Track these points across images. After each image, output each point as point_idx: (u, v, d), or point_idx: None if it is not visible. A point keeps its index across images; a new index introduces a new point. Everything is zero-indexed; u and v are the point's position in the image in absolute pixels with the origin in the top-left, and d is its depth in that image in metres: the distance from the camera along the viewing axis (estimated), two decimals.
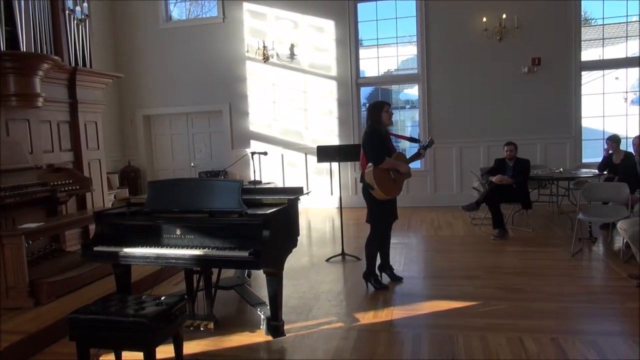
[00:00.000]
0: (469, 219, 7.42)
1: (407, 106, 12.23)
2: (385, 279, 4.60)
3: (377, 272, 4.55)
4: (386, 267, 4.65)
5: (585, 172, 6.97)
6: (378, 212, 4.31)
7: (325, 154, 5.66)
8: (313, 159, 8.99)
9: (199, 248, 3.25)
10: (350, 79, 9.12)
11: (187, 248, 3.26)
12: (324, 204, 9.29)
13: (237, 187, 3.38)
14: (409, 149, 9.13)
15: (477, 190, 7.20)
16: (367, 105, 4.60)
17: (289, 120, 9.45)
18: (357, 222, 7.75)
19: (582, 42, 8.37)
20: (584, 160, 8.43)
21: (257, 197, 3.64)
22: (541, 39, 8.29)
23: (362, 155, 4.36)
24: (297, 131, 9.44)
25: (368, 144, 4.23)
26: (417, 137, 4.77)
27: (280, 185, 9.09)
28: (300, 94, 9.38)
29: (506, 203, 6.46)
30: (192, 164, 9.75)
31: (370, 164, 4.19)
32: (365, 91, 9.91)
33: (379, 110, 4.28)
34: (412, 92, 10.80)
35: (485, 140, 8.63)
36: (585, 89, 8.45)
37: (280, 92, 9.44)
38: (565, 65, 8.29)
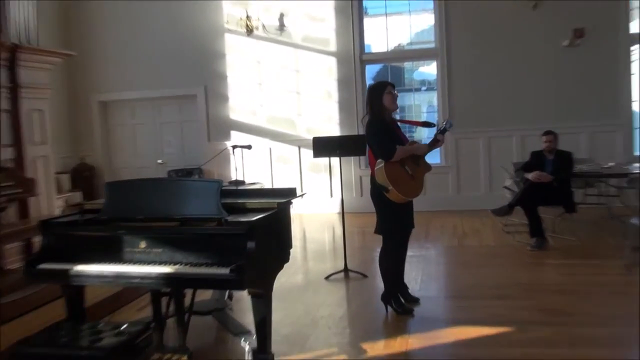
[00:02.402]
0: (500, 226, 7.42)
1: (423, 87, 12.24)
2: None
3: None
4: (399, 285, 4.63)
5: None
6: (392, 220, 4.27)
7: (323, 147, 5.64)
8: (308, 153, 8.99)
9: (169, 264, 3.22)
10: (353, 55, 9.12)
11: (154, 264, 3.23)
12: (322, 208, 9.28)
13: (214, 189, 3.36)
14: (425, 140, 9.18)
15: (509, 191, 7.20)
16: (368, 86, 4.60)
17: (278, 106, 9.44)
18: (362, 231, 7.73)
19: (631, 11, 8.36)
20: (637, 153, 8.45)
21: (240, 201, 3.61)
22: (584, 6, 8.29)
23: (369, 153, 4.34)
24: (288, 119, 9.43)
25: (372, 136, 4.21)
26: (433, 122, 4.76)
27: (268, 186, 9.07)
28: (292, 74, 9.37)
29: (545, 206, 6.46)
30: (159, 161, 9.73)
31: (379, 160, 4.17)
32: (371, 70, 9.92)
33: (380, 93, 4.26)
34: (429, 70, 10.81)
35: (518, 129, 8.64)
36: (636, 67, 8.46)
37: (268, 71, 9.43)
38: (612, 38, 8.30)
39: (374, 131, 4.20)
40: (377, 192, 4.23)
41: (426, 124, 4.65)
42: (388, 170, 4.09)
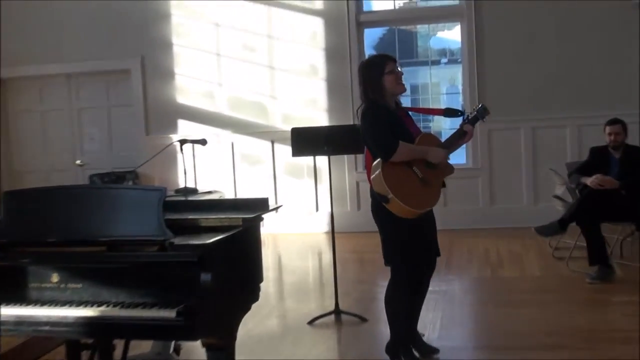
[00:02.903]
0: (548, 250, 7.47)
1: (443, 60, 12.31)
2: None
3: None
4: (412, 333, 4.64)
5: None
6: (402, 244, 4.27)
7: (305, 142, 5.64)
8: (286, 150, 8.97)
9: (92, 305, 3.20)
10: (347, 15, 9.18)
11: (71, 305, 3.21)
12: (305, 226, 9.29)
13: (155, 201, 3.35)
14: (446, 134, 9.23)
15: (561, 201, 7.25)
16: (359, 64, 4.59)
17: (244, 85, 9.45)
18: (360, 257, 7.74)
19: None
20: None
21: (191, 217, 3.61)
22: None
23: (367, 154, 4.35)
24: (258, 104, 9.43)
25: (368, 128, 4.22)
26: (458, 108, 4.72)
27: (229, 195, 9.05)
28: (263, 41, 9.39)
29: (610, 222, 6.51)
30: (78, 162, 9.66)
31: (377, 160, 4.15)
32: (372, 35, 9.99)
33: (377, 73, 4.24)
34: (451, 36, 10.89)
35: (573, 116, 8.73)
36: None
37: (230, 37, 9.44)
38: None
39: (369, 122, 4.20)
40: (380, 207, 4.17)
41: (450, 112, 4.53)
42: (387, 173, 4.03)
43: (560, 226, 6.44)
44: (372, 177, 4.12)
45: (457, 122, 4.51)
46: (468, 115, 4.37)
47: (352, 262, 7.59)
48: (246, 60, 9.43)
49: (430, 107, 9.26)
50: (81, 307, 3.20)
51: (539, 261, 7.13)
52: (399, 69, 4.31)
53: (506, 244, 8.01)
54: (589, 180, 6.43)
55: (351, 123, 8.62)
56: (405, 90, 4.38)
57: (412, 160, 4.15)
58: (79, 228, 3.38)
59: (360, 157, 9.02)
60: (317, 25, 9.27)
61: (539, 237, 6.93)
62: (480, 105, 4.40)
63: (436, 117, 9.03)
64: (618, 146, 6.57)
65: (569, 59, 8.73)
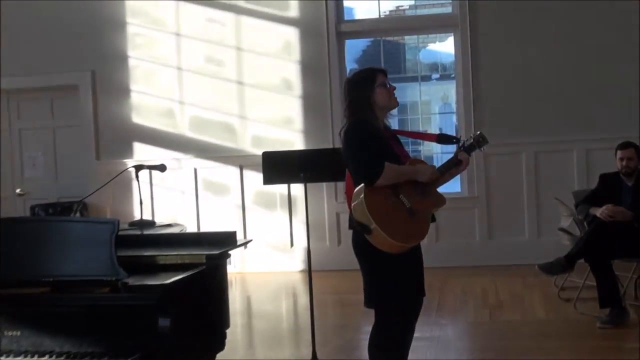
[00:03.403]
0: (554, 290, 7.49)
1: (434, 76, 12.39)
2: None
3: None
4: None
5: None
6: (388, 284, 4.25)
7: (278, 167, 5.65)
8: (256, 177, 8.99)
9: (32, 355, 3.18)
10: (325, 25, 9.22)
11: (9, 356, 3.18)
12: (278, 264, 9.28)
13: (107, 235, 3.34)
14: (440, 158, 9.27)
15: (568, 234, 7.28)
16: (345, 79, 4.61)
17: (208, 103, 9.45)
18: (340, 299, 7.72)
19: None
20: None
21: (148, 254, 3.59)
22: None
23: (347, 177, 4.34)
24: (224, 124, 9.43)
25: (349, 146, 4.21)
26: (450, 133, 4.72)
27: (192, 229, 9.01)
28: (231, 54, 9.41)
29: (623, 259, 6.54)
30: (18, 191, 9.60)
31: (360, 186, 4.14)
32: (354, 47, 10.06)
33: (368, 86, 4.28)
34: (443, 48, 10.99)
35: (579, 139, 8.79)
36: None
37: (193, 49, 9.46)
38: None
39: (351, 139, 4.17)
40: (364, 240, 4.14)
41: (444, 139, 4.55)
42: (371, 200, 3.99)
43: (566, 263, 6.43)
44: (353, 204, 4.07)
45: (451, 146, 4.54)
46: (464, 143, 4.36)
47: (331, 305, 7.57)
48: (211, 75, 9.44)
49: (420, 129, 9.32)
50: (20, 358, 3.17)
51: (543, 303, 7.15)
52: (390, 82, 4.31)
53: (506, 283, 8.03)
54: (598, 211, 6.45)
55: (330, 146, 8.65)
56: (398, 104, 4.38)
57: (399, 188, 4.11)
58: (19, 266, 3.35)
59: (341, 186, 9.01)
60: (292, 36, 9.31)
61: (543, 275, 6.92)
62: (478, 133, 4.38)
63: (426, 142, 9.02)
64: (631, 172, 6.60)
65: (576, 75, 8.81)
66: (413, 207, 4.12)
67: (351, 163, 4.20)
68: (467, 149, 4.32)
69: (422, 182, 4.20)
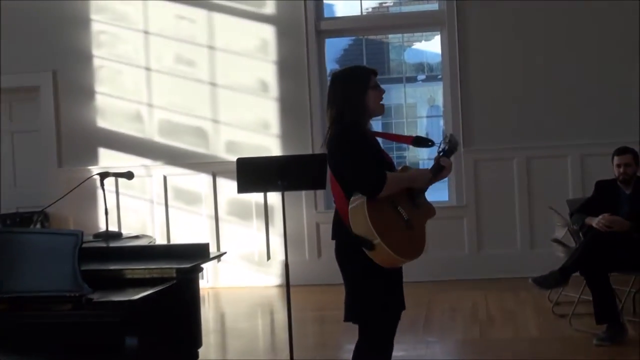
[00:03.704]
0: (548, 304, 7.53)
1: (420, 77, 12.41)
2: None
3: None
4: None
5: None
6: (375, 298, 4.24)
7: (254, 175, 5.65)
8: (230, 185, 8.99)
9: None
10: (304, 23, 9.23)
11: None
12: (254, 278, 9.26)
13: (70, 248, 3.33)
14: (426, 164, 9.30)
15: (562, 246, 7.30)
16: (332, 76, 4.57)
17: (179, 106, 9.43)
18: (321, 316, 7.72)
19: None
20: None
21: (114, 267, 3.58)
22: None
23: (332, 182, 4.31)
24: (196, 128, 9.41)
25: (347, 156, 4.17)
26: (427, 135, 4.75)
27: (161, 241, 8.99)
28: (203, 53, 9.40)
29: (621, 272, 6.56)
30: None
31: (357, 196, 4.11)
32: (335, 46, 10.08)
33: (361, 86, 4.26)
34: (429, 47, 11.03)
35: (574, 144, 8.83)
36: None
37: (162, 48, 9.44)
38: None
39: (349, 148, 4.14)
40: (349, 251, 4.13)
41: (420, 142, 4.58)
42: (373, 212, 3.99)
43: (561, 276, 6.44)
44: (352, 217, 4.04)
45: (432, 151, 4.59)
46: (443, 148, 4.43)
47: (311, 322, 7.57)
48: (182, 75, 9.42)
49: (406, 133, 9.33)
50: None
51: (537, 319, 7.17)
52: (379, 85, 4.30)
53: (497, 298, 8.04)
54: (594, 221, 6.47)
55: (310, 152, 8.66)
56: (384, 112, 4.37)
57: (395, 199, 4.13)
58: None
59: (321, 194, 9.05)
60: (268, 34, 9.31)
61: (537, 289, 6.91)
62: (450, 135, 4.50)
63: (403, 145, 9.04)
64: (628, 179, 6.62)
65: (571, 77, 8.84)
66: (410, 218, 4.16)
67: (349, 173, 4.12)
68: (446, 153, 4.39)
69: (412, 191, 4.24)
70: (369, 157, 4.09)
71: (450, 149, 4.41)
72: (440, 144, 4.45)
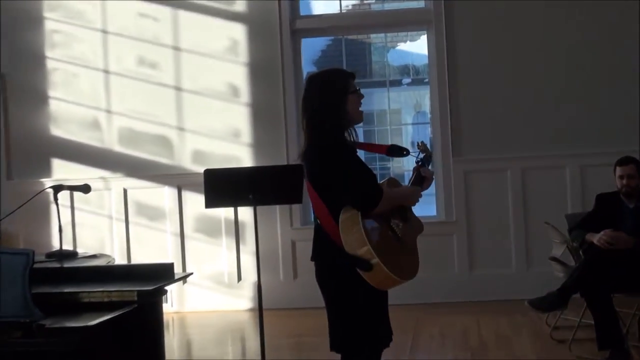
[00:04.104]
0: (545, 329, 7.53)
1: (405, 80, 12.45)
2: None
3: None
4: None
5: None
6: (363, 324, 4.23)
7: (223, 187, 5.64)
8: (197, 199, 8.95)
9: None
10: (278, 21, 9.24)
11: None
12: (223, 301, 9.24)
13: (19, 269, 3.30)
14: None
15: (561, 265, 7.32)
16: (308, 79, 4.53)
17: (141, 112, 9.40)
18: (298, 342, 7.69)
19: None
20: None
21: (69, 290, 3.56)
22: None
23: (312, 196, 4.28)
24: (159, 137, 9.39)
25: (336, 166, 4.14)
26: (401, 145, 4.77)
27: (121, 260, 8.95)
28: (167, 54, 9.38)
29: (625, 293, 6.57)
30: None
31: (349, 211, 4.07)
32: (311, 46, 10.08)
33: (341, 91, 4.26)
34: (415, 49, 11.08)
35: (573, 154, 8.87)
36: None
37: (123, 49, 9.42)
38: None
39: (340, 160, 4.10)
40: (333, 274, 4.13)
41: (394, 151, 4.58)
42: (369, 229, 3.97)
43: (560, 298, 6.46)
44: (345, 234, 4.00)
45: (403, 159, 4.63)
46: (422, 158, 4.49)
47: (287, 350, 7.54)
48: (144, 79, 9.40)
49: (390, 142, 9.33)
50: None
51: (534, 344, 7.18)
52: (359, 90, 4.32)
53: (490, 322, 8.05)
54: (595, 238, 6.50)
55: (284, 162, 8.65)
56: (362, 120, 4.38)
57: (387, 214, 4.15)
58: None
59: (298, 209, 9.04)
60: (239, 34, 9.30)
61: (533, 312, 6.96)
62: (421, 143, 4.57)
63: (379, 155, 9.03)
64: (632, 192, 6.64)
65: (569, 81, 8.88)
66: (403, 236, 4.19)
67: (341, 184, 4.08)
68: (425, 162, 4.46)
69: (408, 204, 4.31)
70: (362, 170, 4.13)
71: (427, 156, 4.49)
72: (419, 153, 4.51)
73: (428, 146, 4.54)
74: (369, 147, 5.12)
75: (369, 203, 3.99)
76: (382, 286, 4.01)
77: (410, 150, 4.57)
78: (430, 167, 4.51)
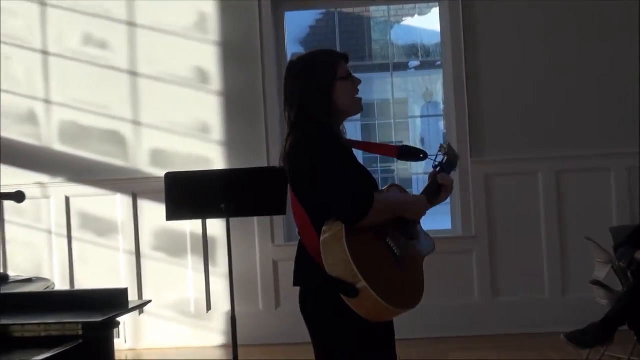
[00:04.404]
0: None
1: (412, 63, 12.44)
2: None
3: None
4: None
5: None
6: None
7: (188, 196, 5.65)
8: (156, 209, 8.96)
9: None
10: None
11: None
12: (189, 336, 9.24)
13: None
14: (421, 180, 9.34)
15: (604, 290, 7.35)
16: (289, 65, 4.51)
17: (87, 102, 9.41)
18: None
19: None
20: None
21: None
22: None
23: (294, 206, 4.27)
24: (110, 132, 9.40)
25: (314, 165, 4.13)
26: (418, 146, 4.75)
27: (62, 285, 8.95)
28: (120, 32, 9.38)
29: None
30: None
31: (332, 224, 4.06)
32: (297, 22, 10.09)
33: (327, 75, 4.25)
34: (425, 24, 11.09)
35: (619, 152, 8.89)
36: None
37: (64, 25, 9.43)
38: None
39: (317, 156, 4.08)
40: (321, 300, 4.11)
41: (406, 154, 4.61)
42: (354, 245, 3.90)
43: (604, 331, 6.49)
44: (325, 252, 3.95)
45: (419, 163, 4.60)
46: (442, 161, 4.46)
47: None
48: (92, 61, 9.39)
49: (394, 138, 9.33)
50: None
51: None
52: (352, 75, 4.27)
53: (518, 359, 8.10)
54: None
55: (265, 164, 8.67)
56: (362, 109, 4.38)
57: (383, 228, 4.07)
58: None
59: (280, 222, 9.05)
60: (208, 7, 9.31)
61: (571, 348, 6.98)
62: (446, 145, 4.51)
63: (385, 158, 9.00)
64: None
65: (617, 62, 8.93)
66: (403, 254, 4.11)
67: (320, 190, 4.05)
68: (445, 167, 4.43)
69: (411, 218, 4.21)
70: (346, 169, 4.04)
71: (449, 162, 4.45)
72: (437, 156, 4.47)
73: (442, 152, 4.47)
74: (375, 148, 5.10)
75: (355, 212, 3.91)
76: (372, 316, 3.91)
77: (429, 154, 4.52)
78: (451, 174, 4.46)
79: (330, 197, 3.96)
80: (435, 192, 4.34)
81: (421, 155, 4.53)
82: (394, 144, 4.73)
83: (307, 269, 4.11)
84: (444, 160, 4.44)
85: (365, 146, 5.07)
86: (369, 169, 4.44)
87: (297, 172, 4.17)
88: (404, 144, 4.69)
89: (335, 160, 4.04)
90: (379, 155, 9.89)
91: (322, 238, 3.94)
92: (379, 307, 3.83)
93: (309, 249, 4.08)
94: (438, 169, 4.41)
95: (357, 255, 3.82)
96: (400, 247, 4.08)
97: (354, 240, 3.86)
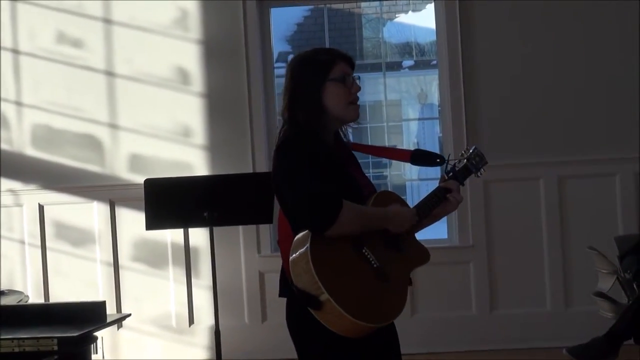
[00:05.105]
0: None
1: (407, 61, 12.45)
2: None
3: None
4: None
5: None
6: None
7: (169, 204, 5.67)
8: (135, 218, 8.97)
9: None
10: None
11: None
12: (171, 351, 9.23)
13: None
14: (416, 186, 9.35)
15: (609, 302, 7.37)
16: (292, 58, 4.50)
17: (61, 105, 9.40)
18: None
19: None
20: None
21: None
22: None
23: (280, 218, 4.27)
24: (86, 136, 9.38)
25: (286, 171, 4.13)
26: (432, 149, 4.70)
27: (36, 299, 8.94)
28: (96, 29, 9.38)
29: None
30: None
31: (304, 234, 4.07)
32: (284, 18, 10.09)
33: (319, 75, 4.25)
34: (419, 21, 11.12)
35: (624, 157, 8.91)
36: None
37: (36, 21, 9.42)
38: None
39: (289, 161, 4.08)
40: (305, 315, 4.04)
41: (421, 158, 4.55)
42: (319, 256, 3.87)
43: (608, 345, 6.51)
44: (292, 261, 3.97)
45: (434, 169, 4.56)
46: (454, 165, 4.39)
47: None
48: (66, 61, 9.39)
49: (387, 143, 9.33)
50: None
51: None
52: (352, 74, 4.24)
53: None
54: None
55: (250, 170, 8.67)
56: (358, 116, 4.32)
57: (361, 238, 4.05)
58: None
59: (267, 231, 9.05)
60: (188, 3, 9.30)
61: None
62: (473, 149, 4.43)
63: (396, 162, 9.00)
64: None
65: (622, 63, 8.95)
66: (383, 266, 4.06)
67: (288, 198, 4.07)
68: (458, 174, 4.35)
69: (396, 229, 4.14)
70: (315, 176, 3.96)
71: (466, 167, 4.38)
72: (458, 161, 4.41)
73: (467, 154, 4.41)
74: (386, 152, 5.08)
75: (317, 221, 3.88)
76: (343, 331, 3.87)
77: (440, 156, 4.51)
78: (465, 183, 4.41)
79: (296, 205, 3.98)
80: (435, 203, 4.29)
81: (437, 160, 4.51)
82: (406, 149, 4.66)
83: (287, 280, 4.08)
84: (459, 167, 4.37)
85: (375, 150, 5.06)
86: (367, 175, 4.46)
87: (273, 177, 4.19)
88: (418, 148, 4.63)
89: (304, 167, 4.00)
90: (370, 159, 9.90)
91: (292, 247, 3.96)
92: (343, 321, 3.81)
93: (283, 259, 4.11)
94: (450, 174, 4.34)
95: (321, 266, 3.81)
96: (381, 257, 4.03)
97: (322, 250, 3.86)
